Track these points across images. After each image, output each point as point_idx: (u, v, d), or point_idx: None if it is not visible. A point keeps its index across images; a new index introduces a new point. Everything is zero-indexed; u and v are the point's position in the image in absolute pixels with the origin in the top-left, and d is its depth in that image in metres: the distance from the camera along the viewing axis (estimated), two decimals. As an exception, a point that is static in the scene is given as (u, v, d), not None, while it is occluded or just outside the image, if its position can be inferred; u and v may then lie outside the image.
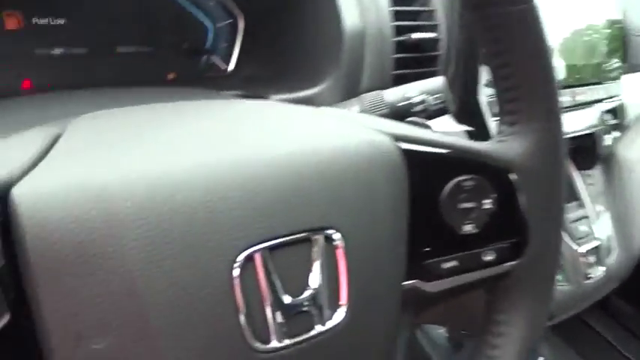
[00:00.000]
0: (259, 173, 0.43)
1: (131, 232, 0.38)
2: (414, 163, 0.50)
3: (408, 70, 0.96)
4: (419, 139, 0.53)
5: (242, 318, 0.42)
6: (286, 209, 0.44)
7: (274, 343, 0.44)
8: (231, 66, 1.08)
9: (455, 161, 0.54)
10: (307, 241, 0.45)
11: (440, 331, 1.44)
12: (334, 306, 0.46)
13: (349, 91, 0.89)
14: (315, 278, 0.45)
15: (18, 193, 0.36)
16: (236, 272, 0.42)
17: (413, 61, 0.97)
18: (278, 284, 0.44)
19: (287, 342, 0.44)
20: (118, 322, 0.37)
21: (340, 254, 0.46)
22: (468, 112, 0.94)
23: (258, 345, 0.43)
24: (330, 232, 0.46)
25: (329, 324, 0.46)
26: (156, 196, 0.39)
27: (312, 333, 0.45)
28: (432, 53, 0.99)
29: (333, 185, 0.46)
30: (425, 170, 0.52)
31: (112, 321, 0.37)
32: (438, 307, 0.64)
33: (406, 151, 0.51)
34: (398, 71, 0.95)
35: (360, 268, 0.47)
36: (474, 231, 0.55)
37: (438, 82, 0.77)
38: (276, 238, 0.43)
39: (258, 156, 0.44)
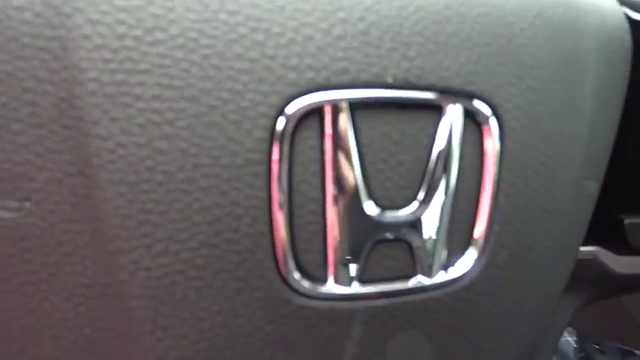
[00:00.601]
0: None
1: None
2: None
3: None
4: None
5: (281, 231, 0.25)
6: (405, 48, 0.25)
7: (335, 287, 0.26)
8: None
9: None
10: (431, 108, 0.26)
11: (568, 339, 1.18)
12: (461, 242, 0.28)
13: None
14: (433, 181, 0.27)
15: None
16: (283, 131, 0.24)
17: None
18: (359, 178, 0.25)
19: (361, 289, 0.27)
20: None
21: (490, 148, 0.28)
22: None
23: (308, 287, 0.26)
24: (477, 103, 0.27)
25: (442, 275, 0.28)
26: None
27: (410, 284, 0.28)
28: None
29: (508, 37, 0.28)
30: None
31: None
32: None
33: (636, 23, 0.32)
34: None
35: (519, 181, 0.29)
36: None
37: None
38: (370, 87, 0.25)
39: None
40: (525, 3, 0.28)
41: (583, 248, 0.36)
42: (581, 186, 0.31)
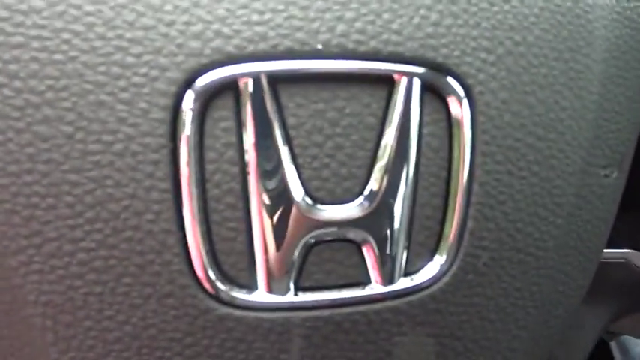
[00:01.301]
0: None
1: None
2: None
3: None
4: None
5: (193, 229, 0.21)
6: (341, 7, 0.21)
7: (265, 296, 0.22)
8: None
9: None
10: (378, 81, 0.22)
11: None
12: (426, 242, 0.24)
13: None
14: (385, 170, 0.22)
15: None
16: (189, 111, 0.20)
17: None
18: (287, 166, 0.21)
19: (298, 298, 0.23)
20: None
21: (457, 129, 0.23)
22: None
23: (231, 294, 0.22)
24: (438, 74, 0.22)
25: (403, 282, 0.23)
26: None
27: (361, 292, 0.23)
28: None
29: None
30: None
31: None
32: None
33: None
34: None
35: (499, 168, 0.24)
36: None
37: None
38: (295, 58, 0.21)
39: None
40: None
41: (610, 250, 0.30)
42: (592, 175, 0.26)
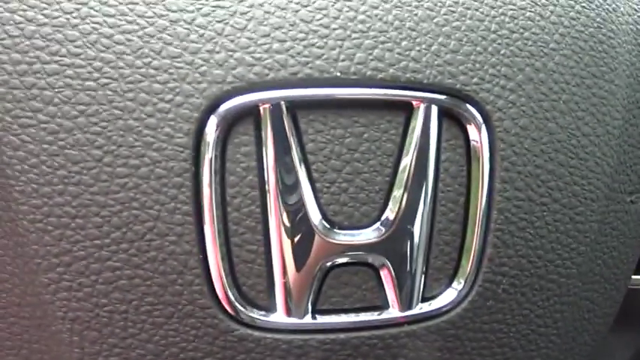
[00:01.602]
0: None
1: None
2: None
3: None
4: None
5: (214, 251, 0.22)
6: (359, 35, 0.21)
7: (283, 318, 0.23)
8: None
9: None
10: (397, 107, 0.22)
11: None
12: (445, 268, 0.24)
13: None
14: (403, 195, 0.22)
15: None
16: (211, 136, 0.21)
17: None
18: (306, 191, 0.22)
19: (316, 321, 0.23)
20: None
21: (476, 155, 0.23)
22: None
23: (251, 315, 0.22)
24: (456, 101, 0.22)
25: (421, 306, 0.23)
26: None
27: (378, 316, 0.23)
28: None
29: (499, 17, 0.23)
30: None
31: None
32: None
33: None
34: None
35: (518, 194, 0.23)
36: None
37: None
38: (314, 85, 0.21)
39: None
40: None
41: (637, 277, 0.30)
42: (618, 202, 0.25)
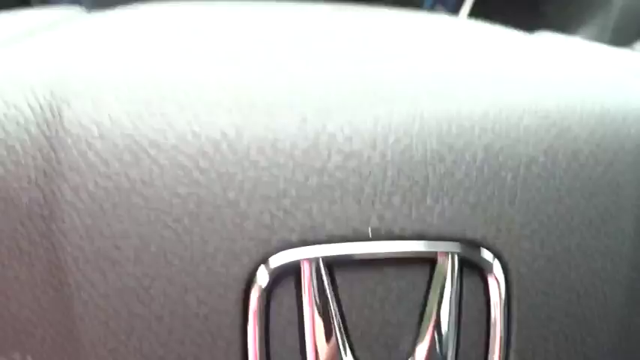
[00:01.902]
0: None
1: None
2: None
3: None
4: None
5: None
6: (388, 196, 0.24)
7: None
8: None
9: None
10: (421, 259, 0.25)
11: None
12: None
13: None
14: (427, 340, 0.25)
15: None
16: (255, 294, 0.24)
17: None
18: (340, 340, 0.24)
19: None
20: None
21: (495, 299, 0.25)
22: None
23: None
24: (476, 251, 0.25)
25: None
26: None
27: None
28: None
29: (514, 171, 0.25)
30: None
31: None
32: None
33: None
34: None
35: (534, 334, 0.26)
36: None
37: None
38: (347, 242, 0.24)
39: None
40: (538, 129, 0.25)
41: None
42: (634, 332, 0.27)
